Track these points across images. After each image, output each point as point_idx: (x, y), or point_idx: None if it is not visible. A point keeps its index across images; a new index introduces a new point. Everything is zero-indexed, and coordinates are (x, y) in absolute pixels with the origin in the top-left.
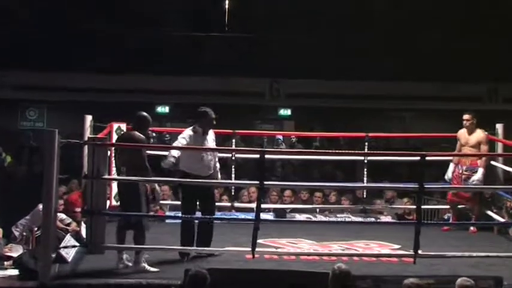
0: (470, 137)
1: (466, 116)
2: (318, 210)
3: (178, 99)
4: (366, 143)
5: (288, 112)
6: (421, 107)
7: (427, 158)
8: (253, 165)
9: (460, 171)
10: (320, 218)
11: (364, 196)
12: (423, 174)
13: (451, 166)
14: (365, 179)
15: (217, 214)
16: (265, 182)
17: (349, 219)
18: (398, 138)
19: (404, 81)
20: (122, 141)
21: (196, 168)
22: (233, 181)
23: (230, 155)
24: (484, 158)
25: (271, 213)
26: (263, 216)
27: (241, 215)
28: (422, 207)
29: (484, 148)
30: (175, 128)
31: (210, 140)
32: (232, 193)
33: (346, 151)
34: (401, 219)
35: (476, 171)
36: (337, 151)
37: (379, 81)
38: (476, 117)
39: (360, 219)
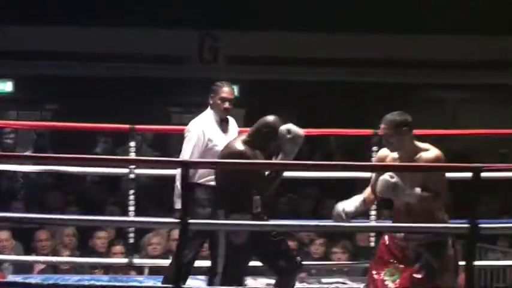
0: None
1: None
2: None
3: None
4: (374, 147)
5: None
6: (477, 82)
7: (485, 174)
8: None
9: None
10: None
11: (372, 243)
12: (477, 202)
13: None
14: (372, 211)
15: (104, 279)
16: (192, 220)
17: None
18: (433, 136)
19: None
20: None
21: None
22: (132, 218)
23: (126, 171)
24: None
25: (202, 277)
26: (189, 281)
27: (148, 281)
28: (479, 263)
29: None
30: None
31: (233, 130)
32: (130, 240)
33: (340, 163)
34: None
35: None
36: (323, 163)
37: (400, 34)
38: None
39: None
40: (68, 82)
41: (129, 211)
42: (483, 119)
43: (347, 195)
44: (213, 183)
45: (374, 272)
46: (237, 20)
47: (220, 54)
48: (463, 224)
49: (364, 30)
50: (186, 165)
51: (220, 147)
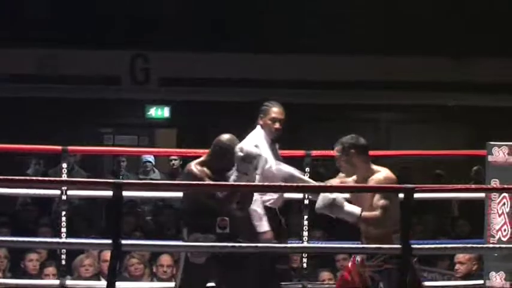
0: None
1: None
2: None
3: None
4: (307, 167)
5: (165, 112)
6: (409, 102)
7: (418, 195)
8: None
9: None
10: None
11: (304, 265)
12: (410, 223)
13: None
14: (304, 232)
15: None
16: (125, 241)
17: None
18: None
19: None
20: None
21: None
22: (64, 240)
23: (59, 191)
24: None
25: None
26: None
27: None
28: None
29: None
30: None
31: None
32: (63, 262)
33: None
34: None
35: None
36: (263, 184)
37: (338, 55)
38: None
39: None
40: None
41: (61, 232)
42: (417, 139)
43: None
44: (269, 204)
45: None
46: (167, 41)
47: (152, 75)
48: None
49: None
50: (117, 187)
51: (273, 169)
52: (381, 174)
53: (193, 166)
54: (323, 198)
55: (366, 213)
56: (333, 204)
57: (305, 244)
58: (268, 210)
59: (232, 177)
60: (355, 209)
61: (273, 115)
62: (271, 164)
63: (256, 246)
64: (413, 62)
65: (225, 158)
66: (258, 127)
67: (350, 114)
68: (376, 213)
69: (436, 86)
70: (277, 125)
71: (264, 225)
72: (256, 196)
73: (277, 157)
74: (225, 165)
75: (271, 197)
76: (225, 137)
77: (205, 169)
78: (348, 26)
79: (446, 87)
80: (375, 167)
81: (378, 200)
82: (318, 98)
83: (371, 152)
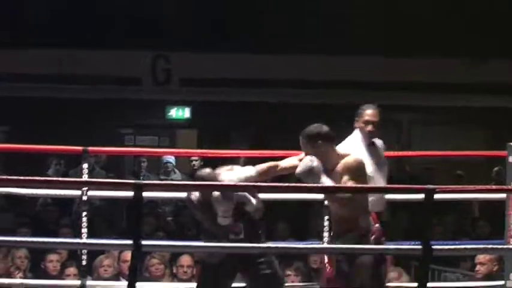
0: None
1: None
2: None
3: None
4: None
5: (186, 112)
6: (430, 104)
7: (438, 196)
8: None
9: None
10: None
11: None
12: (431, 224)
13: None
14: (324, 232)
15: None
16: (146, 242)
17: None
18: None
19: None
20: None
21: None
22: (85, 241)
23: (80, 192)
24: None
25: None
26: None
27: None
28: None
29: None
30: None
31: (381, 154)
32: (83, 262)
33: (291, 184)
34: None
35: None
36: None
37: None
38: None
39: None
40: (20, 104)
41: (82, 233)
42: (439, 141)
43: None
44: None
45: None
46: (189, 42)
47: (173, 76)
48: (416, 245)
49: (348, 52)
50: (138, 187)
51: (369, 173)
52: (350, 157)
53: (203, 169)
54: (304, 164)
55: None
56: (311, 172)
57: (325, 245)
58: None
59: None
60: (330, 184)
61: (366, 118)
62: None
63: (270, 247)
64: (431, 63)
65: None
66: (356, 130)
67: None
68: (347, 196)
69: (456, 88)
70: (370, 128)
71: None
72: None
73: (378, 159)
74: None
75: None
76: None
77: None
78: (349, 26)
79: (465, 88)
80: (341, 152)
81: (346, 182)
82: (336, 98)
83: (393, 153)
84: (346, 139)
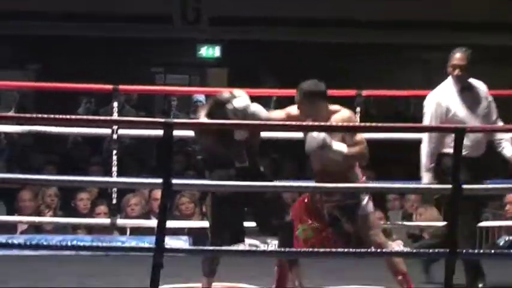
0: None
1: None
2: None
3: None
4: (359, 107)
5: (216, 51)
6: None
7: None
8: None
9: None
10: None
11: None
12: (459, 164)
13: None
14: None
15: (87, 239)
16: (176, 181)
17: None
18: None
19: None
20: None
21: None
22: (115, 179)
23: (110, 131)
24: None
25: (185, 237)
26: (171, 242)
27: (130, 241)
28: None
29: None
30: None
31: (479, 98)
32: (113, 201)
33: (304, 123)
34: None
35: None
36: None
37: None
38: None
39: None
40: (52, 42)
41: (112, 172)
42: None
43: None
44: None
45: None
46: None
47: (203, 15)
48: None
49: None
50: (168, 126)
51: (461, 117)
52: (345, 111)
53: None
54: (313, 139)
55: (351, 149)
56: (324, 145)
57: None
58: None
59: None
60: (342, 147)
61: (454, 62)
62: (455, 112)
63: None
64: (464, 1)
65: None
66: (449, 77)
67: (402, 54)
68: (361, 147)
69: (493, 26)
70: (457, 72)
71: None
72: None
73: (474, 103)
74: None
75: None
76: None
77: None
78: None
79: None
80: (332, 106)
81: (354, 136)
82: (366, 37)
83: (420, 92)
84: (440, 85)
